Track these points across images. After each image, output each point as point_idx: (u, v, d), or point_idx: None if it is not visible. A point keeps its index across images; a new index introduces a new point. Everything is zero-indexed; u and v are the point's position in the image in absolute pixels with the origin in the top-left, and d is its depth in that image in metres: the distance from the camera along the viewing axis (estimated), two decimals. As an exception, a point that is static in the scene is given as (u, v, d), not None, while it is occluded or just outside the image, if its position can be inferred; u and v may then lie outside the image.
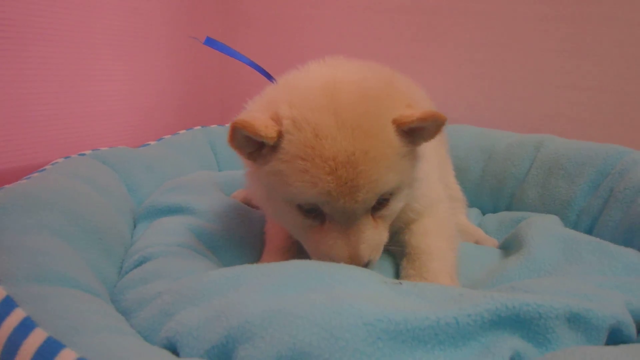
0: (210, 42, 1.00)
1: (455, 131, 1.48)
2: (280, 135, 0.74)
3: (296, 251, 0.91)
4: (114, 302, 0.76)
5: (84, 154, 1.16)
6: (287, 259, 0.89)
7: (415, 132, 0.77)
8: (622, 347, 0.58)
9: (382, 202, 0.78)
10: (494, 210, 1.33)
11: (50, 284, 0.68)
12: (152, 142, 1.39)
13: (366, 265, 0.77)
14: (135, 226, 1.05)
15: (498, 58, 1.58)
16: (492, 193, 1.35)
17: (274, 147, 0.74)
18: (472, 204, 1.38)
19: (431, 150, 0.97)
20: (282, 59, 1.81)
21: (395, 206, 0.81)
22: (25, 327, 0.58)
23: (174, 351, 0.61)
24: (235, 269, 0.69)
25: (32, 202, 0.83)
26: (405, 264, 0.85)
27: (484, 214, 1.34)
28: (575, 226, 1.12)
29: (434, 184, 0.97)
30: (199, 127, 1.54)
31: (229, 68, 1.89)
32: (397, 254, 0.90)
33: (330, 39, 1.79)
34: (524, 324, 0.59)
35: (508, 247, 1.00)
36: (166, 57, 1.63)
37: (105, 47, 1.40)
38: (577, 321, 0.61)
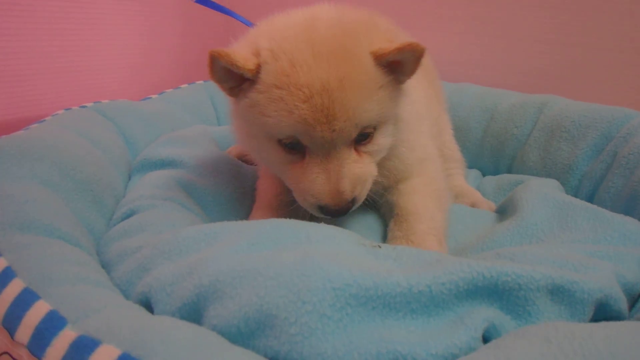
0: (201, 1, 1.00)
1: (457, 90, 1.44)
2: (258, 67, 0.73)
3: (286, 208, 0.90)
4: (100, 254, 0.77)
5: (85, 107, 1.16)
6: (276, 216, 0.88)
7: (395, 67, 0.76)
8: (602, 325, 0.53)
9: (365, 137, 0.77)
10: (495, 172, 1.30)
11: (34, 233, 0.69)
12: (153, 96, 1.38)
13: (351, 202, 0.76)
14: (130, 179, 1.06)
15: (500, 13, 1.51)
16: (493, 154, 1.32)
17: (254, 81, 0.74)
18: (472, 165, 1.36)
19: (419, 97, 0.96)
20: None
21: (381, 142, 0.79)
22: (6, 276, 0.59)
23: (149, 307, 0.61)
24: (214, 226, 0.69)
25: (25, 153, 0.83)
26: (392, 225, 0.84)
27: (484, 175, 1.31)
28: (576, 191, 1.10)
29: (423, 141, 0.95)
30: (200, 82, 1.52)
31: (233, 23, 1.83)
32: (386, 215, 0.89)
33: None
34: (502, 295, 0.57)
35: (504, 212, 0.98)
36: (176, 13, 1.60)
37: (107, 2, 1.37)
38: (560, 294, 0.59)
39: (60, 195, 0.81)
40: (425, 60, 0.79)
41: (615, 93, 1.40)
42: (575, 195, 1.09)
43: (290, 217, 0.88)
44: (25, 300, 0.56)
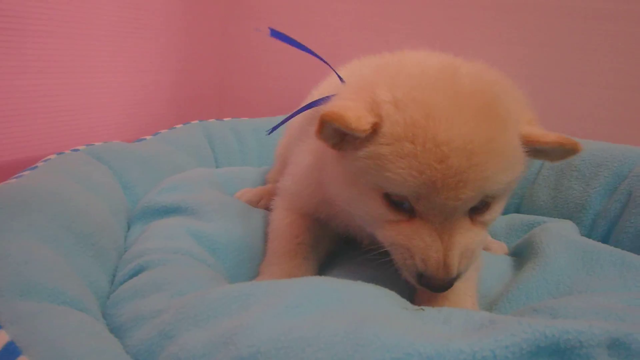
0: (275, 34, 0.92)
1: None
2: (376, 126, 0.64)
3: (306, 252, 0.85)
4: (107, 316, 0.71)
5: (77, 150, 1.10)
6: (295, 263, 0.83)
7: (536, 152, 0.68)
8: None
9: (483, 205, 0.68)
10: (504, 212, 1.27)
11: (37, 299, 0.62)
12: (147, 137, 1.32)
13: (455, 278, 0.66)
14: (129, 227, 0.99)
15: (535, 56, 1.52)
16: (502, 194, 1.29)
17: (371, 136, 0.65)
18: (480, 204, 1.33)
19: None
20: (292, 53, 1.74)
21: (497, 211, 0.70)
22: (9, 354, 0.52)
23: (176, 380, 0.55)
24: (243, 286, 0.63)
25: (20, 205, 0.76)
26: None
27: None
28: (590, 231, 1.08)
29: None
30: (196, 122, 1.47)
31: (227, 62, 1.80)
32: None
33: (344, 32, 1.69)
34: (563, 354, 0.53)
35: (520, 255, 0.95)
36: (163, 49, 1.56)
37: (101, 39, 1.33)
38: (617, 347, 0.55)
39: (61, 251, 0.74)
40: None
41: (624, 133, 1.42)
42: (589, 235, 1.07)
43: (309, 261, 0.85)
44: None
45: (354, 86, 0.73)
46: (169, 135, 1.34)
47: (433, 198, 0.62)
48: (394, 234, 0.67)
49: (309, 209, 0.88)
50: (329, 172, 0.77)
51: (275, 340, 0.51)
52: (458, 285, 0.73)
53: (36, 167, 0.97)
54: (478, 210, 0.67)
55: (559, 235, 0.90)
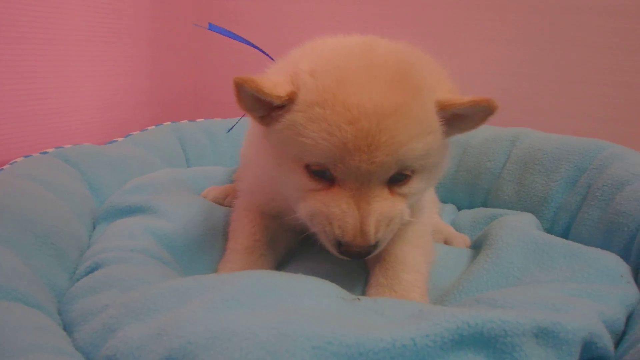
0: (213, 27, 0.96)
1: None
2: (292, 95, 0.67)
3: (262, 249, 0.87)
4: (62, 312, 0.72)
5: (46, 152, 1.11)
6: (252, 259, 0.85)
7: (454, 120, 0.71)
8: None
9: (402, 177, 0.70)
10: (470, 206, 1.29)
11: (-12, 297, 0.64)
12: (119, 139, 1.34)
13: (373, 246, 0.68)
14: (94, 228, 1.01)
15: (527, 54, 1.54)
16: (467, 188, 1.31)
17: (290, 105, 0.68)
18: (447, 199, 1.34)
19: None
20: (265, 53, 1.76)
21: (417, 186, 0.72)
22: (-47, 348, 0.54)
23: (115, 373, 0.56)
24: (187, 281, 0.65)
25: (-21, 207, 0.78)
26: (377, 270, 0.80)
27: (459, 209, 1.30)
28: (552, 223, 1.09)
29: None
30: (168, 123, 1.48)
31: (202, 65, 1.81)
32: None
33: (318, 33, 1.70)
34: (488, 343, 0.55)
35: (479, 247, 0.97)
36: (136, 53, 1.58)
37: (73, 44, 1.34)
38: (545, 336, 0.57)
39: (18, 252, 0.76)
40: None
41: (584, 124, 1.43)
42: (552, 228, 1.09)
43: (266, 258, 0.87)
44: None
45: (280, 63, 0.76)
46: (140, 137, 1.35)
47: (347, 161, 0.65)
48: (313, 203, 0.70)
49: (264, 206, 0.89)
50: (262, 155, 0.80)
51: (205, 331, 0.53)
52: (406, 277, 0.76)
53: (1, 169, 0.98)
54: (397, 181, 0.70)
55: (513, 228, 0.91)
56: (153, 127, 1.43)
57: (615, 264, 0.80)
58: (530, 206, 1.14)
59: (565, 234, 1.06)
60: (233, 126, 1.04)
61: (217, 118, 1.58)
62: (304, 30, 1.71)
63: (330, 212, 0.68)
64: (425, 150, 0.68)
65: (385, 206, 0.68)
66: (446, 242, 1.04)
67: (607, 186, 0.98)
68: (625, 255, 0.85)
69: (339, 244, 0.68)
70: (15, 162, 1.03)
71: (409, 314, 0.58)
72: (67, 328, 0.68)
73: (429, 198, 1.17)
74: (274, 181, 0.79)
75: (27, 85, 1.22)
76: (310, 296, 0.61)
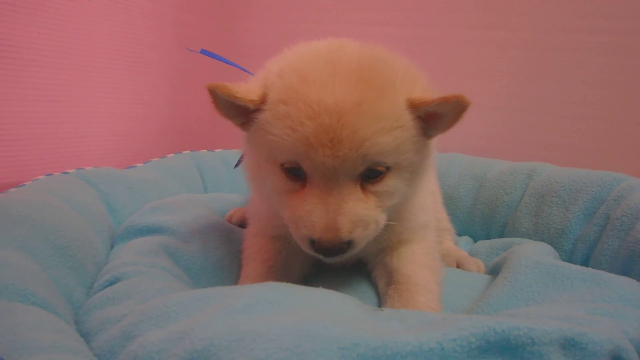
0: (205, 52, 1.00)
1: (445, 159, 1.45)
2: (264, 97, 0.70)
3: (276, 277, 0.85)
4: (79, 323, 0.72)
5: (67, 173, 1.13)
6: None
7: (429, 119, 0.72)
8: None
9: (375, 175, 0.70)
10: (487, 239, 1.29)
11: (7, 298, 0.64)
12: (138, 164, 1.35)
13: (347, 244, 0.68)
14: (112, 247, 1.01)
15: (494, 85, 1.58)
16: (484, 221, 1.31)
17: (260, 110, 0.71)
18: (463, 232, 1.34)
19: (432, 170, 0.93)
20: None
21: (393, 185, 0.72)
22: (-26, 346, 0.53)
23: (134, 378, 0.56)
24: (205, 290, 0.65)
25: (1, 216, 0.79)
26: (391, 292, 0.79)
27: (475, 242, 1.29)
28: (571, 255, 1.08)
29: (427, 206, 0.92)
30: (187, 152, 1.51)
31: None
32: (379, 278, 0.84)
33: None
34: (515, 351, 0.53)
35: (496, 273, 0.95)
36: (156, 83, 1.61)
37: (95, 70, 1.37)
38: (572, 347, 0.55)
39: (37, 260, 0.76)
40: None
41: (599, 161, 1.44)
42: (570, 260, 1.07)
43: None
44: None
45: (259, 72, 0.79)
46: (159, 163, 1.37)
47: (312, 157, 0.67)
48: (289, 208, 0.71)
49: (273, 229, 0.88)
50: (247, 163, 0.83)
51: (228, 334, 0.52)
52: (420, 299, 0.75)
53: (23, 185, 1.00)
54: (370, 179, 0.71)
55: (531, 252, 0.91)
56: (172, 155, 1.45)
57: (635, 289, 0.78)
58: (548, 238, 1.13)
59: (584, 265, 1.04)
60: (239, 161, 1.07)
61: (235, 149, 1.60)
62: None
63: (301, 213, 0.69)
64: (394, 146, 0.69)
65: (359, 207, 0.69)
66: (458, 266, 1.03)
67: (626, 216, 0.98)
68: (646, 283, 0.84)
69: (312, 243, 0.69)
70: (37, 179, 1.04)
71: (433, 322, 0.57)
72: (85, 337, 0.67)
73: (445, 226, 1.16)
74: (259, 189, 0.81)
75: (47, 109, 1.24)
76: (332, 304, 0.60)
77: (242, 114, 0.73)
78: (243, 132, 0.79)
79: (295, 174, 0.71)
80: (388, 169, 0.71)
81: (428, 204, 0.89)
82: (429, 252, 0.86)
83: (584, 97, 1.50)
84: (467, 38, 1.59)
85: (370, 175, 0.70)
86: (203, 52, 0.99)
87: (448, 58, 1.62)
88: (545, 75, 1.53)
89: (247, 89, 0.70)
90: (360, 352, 0.49)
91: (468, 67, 1.60)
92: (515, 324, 0.54)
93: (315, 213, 0.68)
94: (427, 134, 0.74)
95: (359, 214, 0.69)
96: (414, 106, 0.70)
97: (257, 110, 0.72)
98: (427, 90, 0.74)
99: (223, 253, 0.97)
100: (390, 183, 0.72)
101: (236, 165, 1.10)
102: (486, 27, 1.57)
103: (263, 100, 0.71)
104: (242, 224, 1.10)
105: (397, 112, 0.69)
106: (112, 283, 0.80)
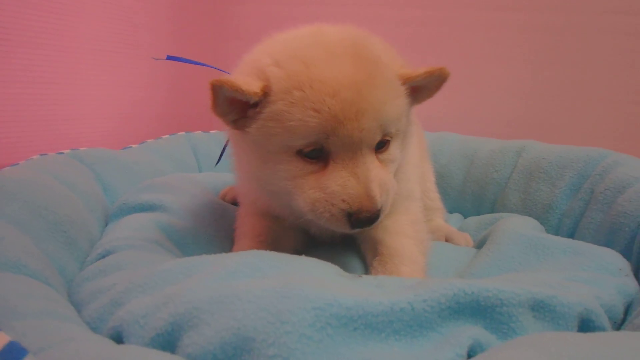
0: (171, 57, 1.01)
1: (437, 139, 1.47)
2: (266, 88, 0.70)
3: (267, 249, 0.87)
4: (71, 294, 0.74)
5: (62, 153, 1.15)
6: None
7: (413, 92, 0.77)
8: (591, 334, 0.55)
9: (382, 145, 0.75)
10: (477, 213, 1.31)
11: (-1, 269, 0.66)
12: (134, 145, 1.37)
13: (378, 212, 0.70)
14: (107, 224, 1.03)
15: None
16: (474, 199, 1.33)
17: (265, 100, 0.71)
18: (454, 210, 1.36)
19: (414, 145, 0.95)
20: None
21: (395, 153, 0.77)
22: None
23: (120, 341, 0.58)
24: (192, 259, 0.67)
25: (-5, 190, 0.81)
26: (376, 264, 0.81)
27: (465, 218, 1.32)
28: (557, 229, 1.10)
29: (412, 177, 0.94)
30: (182, 133, 1.52)
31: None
32: (367, 251, 0.86)
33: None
34: (485, 312, 0.56)
35: (483, 246, 0.98)
36: (153, 66, 1.62)
37: (90, 53, 1.38)
38: (541, 309, 0.58)
39: (30, 234, 0.78)
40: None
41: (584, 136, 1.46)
42: (556, 234, 1.09)
43: None
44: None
45: (241, 66, 0.80)
46: (154, 144, 1.39)
47: (340, 132, 0.69)
48: (312, 192, 0.72)
49: (262, 205, 0.90)
50: (245, 162, 0.83)
51: (209, 297, 0.55)
52: (404, 269, 0.77)
53: (17, 164, 1.01)
54: (380, 149, 0.75)
55: (514, 229, 0.93)
56: (167, 136, 1.47)
57: (614, 259, 0.81)
58: (536, 214, 1.15)
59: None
60: (220, 158, 1.10)
61: (229, 131, 1.61)
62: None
63: (331, 192, 0.70)
64: (398, 114, 0.74)
65: (382, 174, 0.73)
66: (447, 240, 1.05)
67: (609, 190, 1.00)
68: (627, 254, 0.86)
69: (349, 216, 0.69)
70: (32, 158, 1.06)
71: (407, 285, 0.59)
72: (76, 307, 0.69)
73: (436, 205, 1.18)
74: (261, 182, 0.81)
75: (42, 91, 1.25)
76: (313, 270, 0.62)
77: (238, 110, 0.73)
78: (233, 132, 0.79)
79: (314, 156, 0.72)
80: (391, 137, 0.76)
81: (410, 174, 0.91)
82: (413, 222, 0.88)
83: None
84: (482, 20, 1.60)
85: (379, 145, 0.75)
86: (169, 57, 1.00)
87: (464, 40, 1.63)
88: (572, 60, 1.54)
89: (246, 82, 0.70)
90: (334, 312, 0.51)
91: (488, 50, 1.61)
92: (485, 286, 0.56)
93: (349, 186, 0.69)
94: (411, 102, 0.79)
95: (383, 179, 0.73)
96: (405, 81, 0.75)
97: (257, 104, 0.71)
98: (404, 65, 0.78)
99: (215, 229, 0.99)
100: (393, 151, 0.77)
101: (217, 163, 1.12)
102: (504, 9, 1.57)
103: (265, 92, 0.71)
104: (236, 202, 1.12)
105: (395, 81, 0.74)
106: (104, 256, 0.82)
